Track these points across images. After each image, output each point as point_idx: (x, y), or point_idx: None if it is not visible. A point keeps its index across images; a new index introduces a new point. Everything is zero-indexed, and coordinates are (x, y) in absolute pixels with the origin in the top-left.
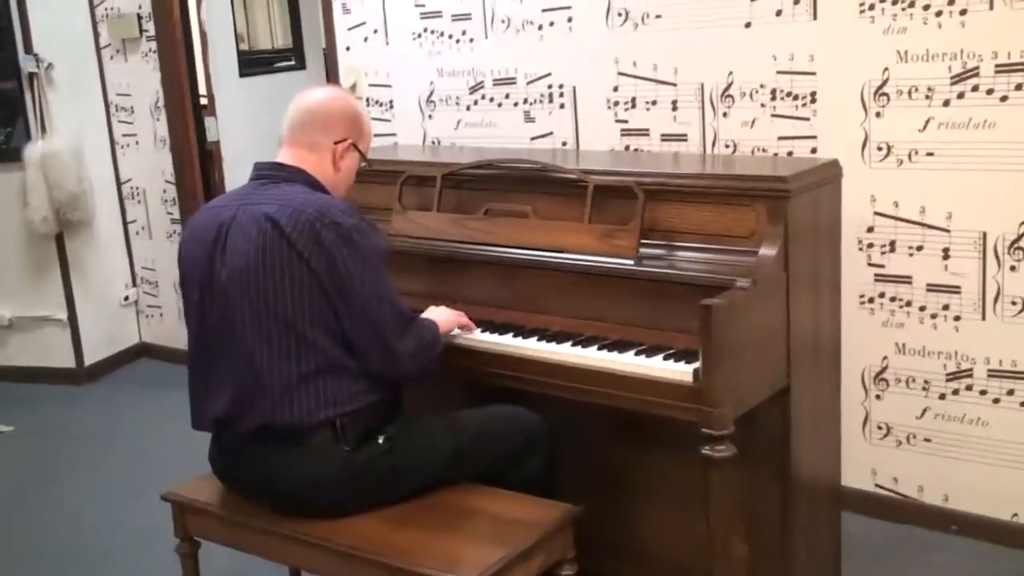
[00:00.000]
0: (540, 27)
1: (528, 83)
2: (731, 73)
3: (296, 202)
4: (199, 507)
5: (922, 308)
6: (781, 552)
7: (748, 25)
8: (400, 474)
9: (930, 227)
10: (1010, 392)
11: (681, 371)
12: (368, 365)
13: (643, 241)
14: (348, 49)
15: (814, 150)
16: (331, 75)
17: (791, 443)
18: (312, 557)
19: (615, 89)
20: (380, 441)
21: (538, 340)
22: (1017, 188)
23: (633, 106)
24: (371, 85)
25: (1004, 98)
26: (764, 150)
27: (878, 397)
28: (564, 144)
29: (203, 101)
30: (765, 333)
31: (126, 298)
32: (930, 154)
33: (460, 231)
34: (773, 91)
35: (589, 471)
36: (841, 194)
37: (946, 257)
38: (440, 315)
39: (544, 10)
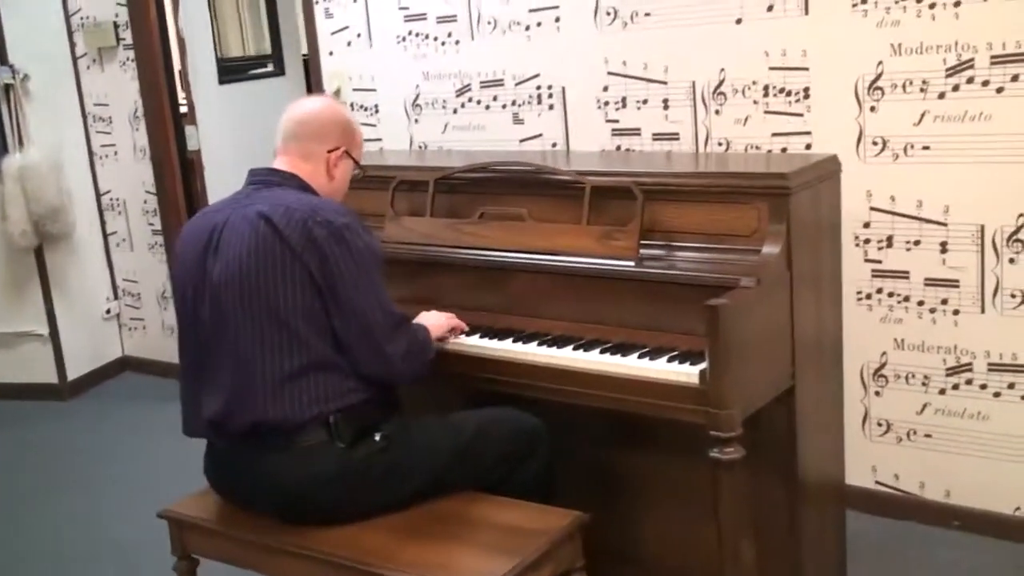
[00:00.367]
0: (527, 28)
1: (516, 84)
2: (723, 70)
3: (289, 201)
4: (197, 524)
5: (920, 303)
6: (788, 552)
7: (739, 21)
8: (399, 473)
9: (927, 221)
10: (1011, 386)
11: (687, 373)
12: (358, 365)
13: (643, 242)
14: (331, 54)
15: (808, 146)
16: (314, 80)
17: (797, 443)
18: (315, 572)
19: (605, 89)
20: (377, 439)
21: (539, 345)
22: (1014, 180)
23: (624, 105)
24: (355, 89)
25: (1000, 89)
26: (758, 147)
27: (877, 394)
28: (554, 145)
29: (183, 110)
30: (770, 332)
31: (108, 311)
32: (926, 147)
33: (455, 236)
34: (766, 87)
35: (590, 475)
36: (840, 190)
37: (944, 251)
38: (431, 319)
39: (531, 10)
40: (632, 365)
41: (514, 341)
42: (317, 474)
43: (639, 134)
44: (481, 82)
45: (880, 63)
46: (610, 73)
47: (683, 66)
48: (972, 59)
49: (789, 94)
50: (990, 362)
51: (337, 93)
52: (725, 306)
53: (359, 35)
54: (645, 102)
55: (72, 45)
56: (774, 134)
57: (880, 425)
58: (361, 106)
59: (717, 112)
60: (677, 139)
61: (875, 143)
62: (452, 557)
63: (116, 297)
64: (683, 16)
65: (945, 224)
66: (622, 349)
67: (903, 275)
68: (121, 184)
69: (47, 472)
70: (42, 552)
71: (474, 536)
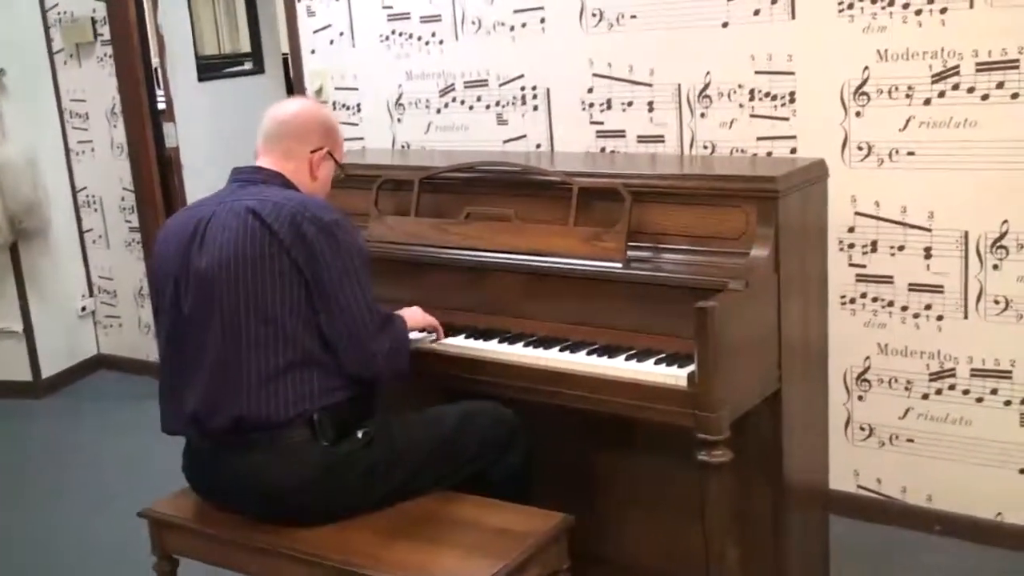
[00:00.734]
0: (512, 28)
1: (500, 85)
2: (708, 73)
3: (277, 197)
4: (177, 523)
5: (904, 308)
6: (772, 555)
7: (725, 25)
8: (381, 469)
9: (912, 227)
10: (993, 391)
11: (675, 375)
12: (342, 362)
13: (630, 244)
14: (313, 52)
15: (794, 150)
16: (295, 79)
17: (783, 446)
18: (300, 573)
19: (590, 90)
20: (359, 436)
21: (524, 346)
22: (999, 186)
23: (608, 107)
24: (338, 88)
25: (985, 96)
26: (743, 151)
27: (860, 398)
28: (538, 147)
29: (161, 106)
30: (758, 335)
31: (83, 309)
32: (911, 153)
33: (440, 236)
34: (751, 91)
35: (570, 476)
36: (827, 194)
37: (928, 256)
38: (408, 312)
39: (516, 11)
40: (619, 367)
41: (500, 342)
42: (300, 472)
43: (624, 136)
44: (465, 82)
45: (866, 68)
46: (595, 75)
47: (669, 69)
48: (958, 66)
49: (775, 98)
50: (973, 368)
51: (319, 92)
52: (714, 308)
53: (341, 34)
54: (630, 104)
55: (49, 40)
56: (759, 138)
57: (863, 429)
58: (343, 105)
59: (703, 115)
60: (662, 142)
61: (860, 148)
62: (436, 559)
63: (92, 295)
64: (669, 19)
65: (929, 230)
66: (609, 351)
67: (887, 280)
68: (98, 181)
69: (21, 471)
70: (15, 553)
71: (459, 538)
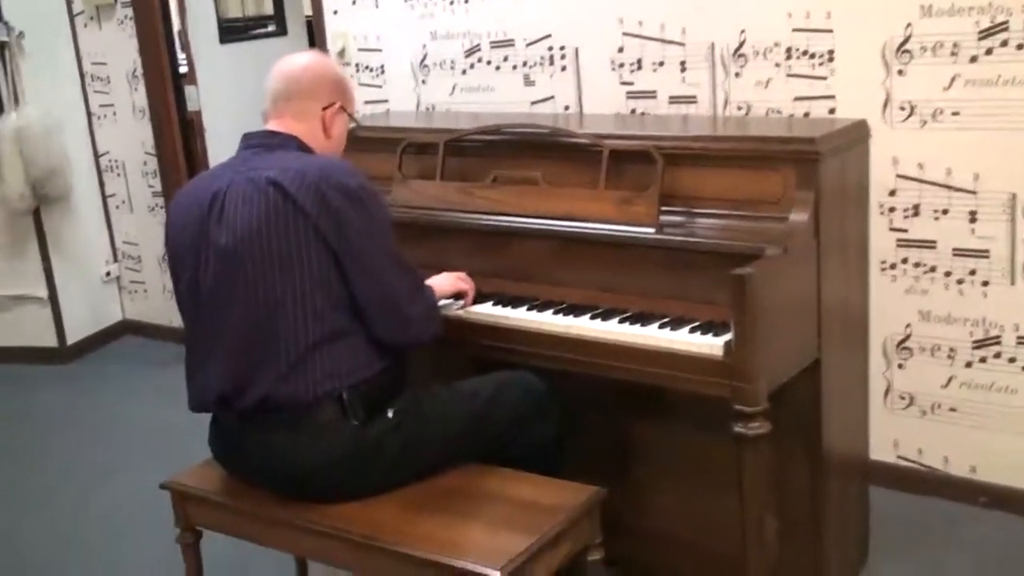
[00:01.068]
0: None
1: (527, 45)
2: (743, 31)
3: (298, 164)
4: (201, 496)
5: (947, 273)
6: (811, 527)
7: None
8: (413, 448)
9: (956, 189)
10: None
11: (710, 344)
12: (377, 330)
13: (663, 208)
14: (335, 13)
15: (832, 111)
16: (317, 40)
17: (822, 417)
18: (324, 547)
19: (620, 50)
20: (390, 415)
21: (554, 313)
22: None
23: (639, 67)
24: (360, 50)
25: None
26: (779, 111)
27: (900, 366)
28: (567, 108)
29: (182, 69)
30: (797, 303)
31: (108, 274)
32: (956, 113)
33: (466, 200)
34: (788, 49)
35: (601, 446)
36: (869, 156)
37: (973, 220)
38: (437, 280)
39: None
40: (653, 335)
41: (528, 309)
42: (330, 453)
43: (655, 97)
44: (491, 42)
45: (909, 25)
46: (625, 34)
47: (702, 27)
48: (1006, 22)
49: (813, 56)
50: (1020, 335)
51: (342, 54)
52: (752, 275)
53: None
54: (662, 64)
55: (69, 2)
56: (796, 98)
57: (903, 399)
58: (367, 67)
59: (737, 75)
60: (694, 102)
61: (902, 108)
62: (465, 534)
63: (116, 260)
64: None
65: (975, 192)
66: (642, 319)
67: (930, 245)
68: (120, 145)
69: (46, 437)
70: (40, 519)
71: (488, 512)
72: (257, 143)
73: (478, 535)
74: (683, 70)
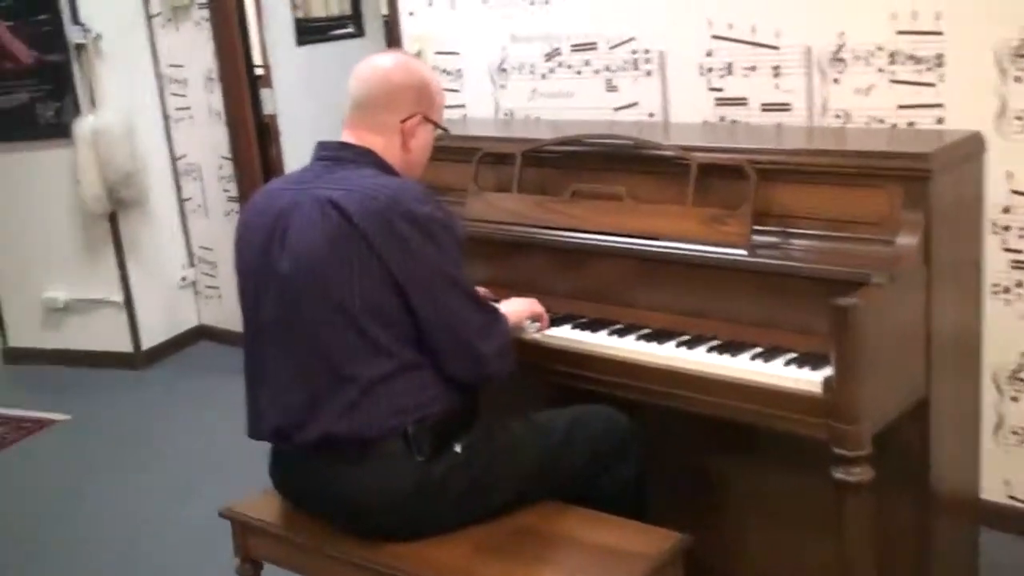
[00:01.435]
0: None
1: (610, 48)
2: (842, 34)
3: (365, 187)
4: (261, 527)
5: None
6: (916, 573)
7: None
8: (481, 487)
9: None
10: None
11: (808, 380)
12: (448, 368)
13: (755, 227)
14: (412, 15)
15: (940, 120)
16: (393, 43)
17: (930, 458)
18: None
19: (709, 54)
20: (458, 450)
21: (637, 339)
22: None
23: (729, 72)
24: (437, 53)
25: None
26: (881, 121)
27: (1014, 399)
28: (651, 115)
29: (258, 72)
30: (905, 336)
31: (183, 279)
32: None
33: (544, 215)
34: (892, 54)
35: (686, 485)
36: (983, 173)
37: None
38: (511, 306)
39: None
40: (744, 368)
41: (609, 334)
42: (393, 490)
43: (746, 104)
44: (572, 45)
45: None
46: (715, 37)
47: (797, 29)
48: None
49: (919, 61)
50: None
51: (418, 56)
52: (857, 306)
53: None
54: (753, 69)
55: (146, 3)
56: (900, 106)
57: (1016, 434)
58: (443, 70)
59: (835, 81)
60: (788, 110)
61: (1019, 118)
62: None
63: (191, 264)
64: None
65: None
66: (731, 348)
67: None
68: (196, 148)
69: (119, 446)
70: (109, 528)
71: (563, 557)
72: (330, 155)
73: None
74: (776, 76)
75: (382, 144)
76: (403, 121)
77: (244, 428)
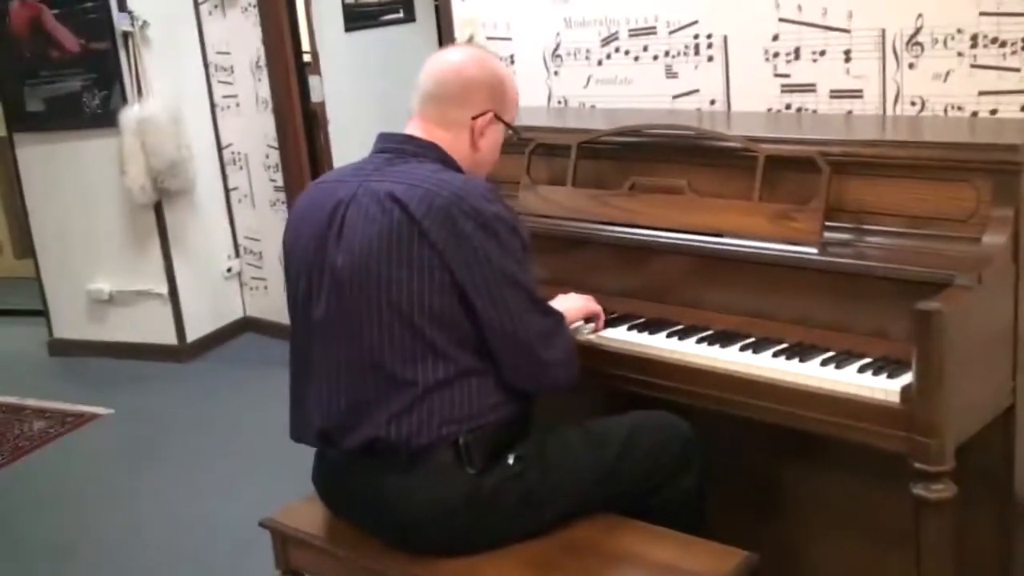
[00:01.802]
0: None
1: (670, 33)
2: (920, 16)
3: (429, 183)
4: (302, 538)
5: None
6: None
7: None
8: (535, 501)
9: None
10: None
11: (885, 388)
12: (508, 374)
13: (827, 224)
14: None
15: None
16: (444, 28)
17: (1015, 469)
18: None
19: (775, 38)
20: (510, 462)
21: (698, 342)
22: None
23: (797, 57)
24: (489, 38)
25: None
26: (960, 108)
27: None
28: (712, 103)
29: (306, 58)
30: (992, 341)
31: (229, 270)
32: None
33: (600, 209)
34: (974, 37)
35: (753, 499)
36: None
37: None
38: (566, 303)
39: None
40: (814, 374)
41: (668, 336)
42: (442, 502)
43: (814, 91)
44: (630, 30)
45: None
46: (782, 20)
47: (871, 11)
48: None
49: (1004, 45)
50: None
51: (470, 41)
52: (941, 312)
53: None
54: (823, 53)
55: None
56: (981, 92)
57: None
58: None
59: (911, 66)
60: (860, 97)
61: None
62: None
63: (237, 255)
64: None
65: None
66: (800, 352)
67: None
68: (243, 137)
69: (164, 441)
70: (149, 526)
71: (621, 575)
72: (392, 148)
73: None
74: (847, 60)
75: (449, 140)
76: (474, 118)
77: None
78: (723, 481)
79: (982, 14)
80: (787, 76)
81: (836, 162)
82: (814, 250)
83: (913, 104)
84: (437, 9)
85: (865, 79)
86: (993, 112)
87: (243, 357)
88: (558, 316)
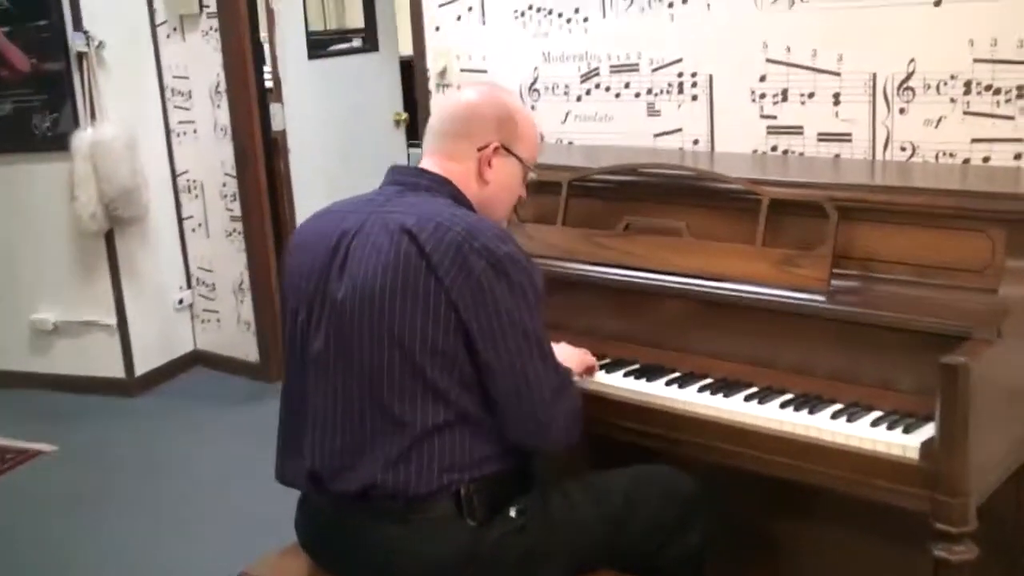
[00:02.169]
0: (671, 4)
1: (653, 70)
2: (912, 61)
3: (442, 216)
4: None
5: None
6: None
7: (938, 3)
8: (536, 557)
9: None
10: None
11: (902, 444)
12: (508, 427)
13: (834, 271)
14: (438, 29)
15: (1019, 156)
16: (416, 57)
17: None
18: None
19: (762, 79)
20: (512, 515)
21: (699, 391)
22: None
23: (784, 99)
24: (463, 70)
25: None
26: (952, 155)
27: None
28: (696, 143)
29: (268, 85)
30: (1011, 396)
31: (180, 301)
32: None
33: (593, 250)
34: (967, 83)
35: (751, 552)
36: None
37: None
38: (562, 355)
39: None
40: (827, 427)
41: (668, 384)
42: (440, 555)
43: (801, 133)
44: (611, 66)
45: None
46: (769, 60)
47: (862, 54)
48: None
49: (998, 92)
50: None
51: (443, 74)
52: (967, 365)
53: (471, 8)
54: (811, 96)
55: (152, 11)
56: (974, 140)
57: None
58: None
59: (902, 111)
60: (848, 140)
61: None
62: None
63: (189, 286)
64: None
65: None
66: (808, 403)
67: None
68: (199, 164)
69: (108, 478)
70: (100, 572)
71: None
72: (404, 180)
73: None
74: (836, 104)
75: (460, 173)
76: (480, 149)
77: (242, 460)
78: (724, 533)
79: (976, 61)
80: (773, 117)
81: (843, 207)
82: (821, 298)
83: (903, 149)
84: (414, 37)
85: (854, 123)
86: (986, 160)
87: (193, 392)
88: (567, 372)
